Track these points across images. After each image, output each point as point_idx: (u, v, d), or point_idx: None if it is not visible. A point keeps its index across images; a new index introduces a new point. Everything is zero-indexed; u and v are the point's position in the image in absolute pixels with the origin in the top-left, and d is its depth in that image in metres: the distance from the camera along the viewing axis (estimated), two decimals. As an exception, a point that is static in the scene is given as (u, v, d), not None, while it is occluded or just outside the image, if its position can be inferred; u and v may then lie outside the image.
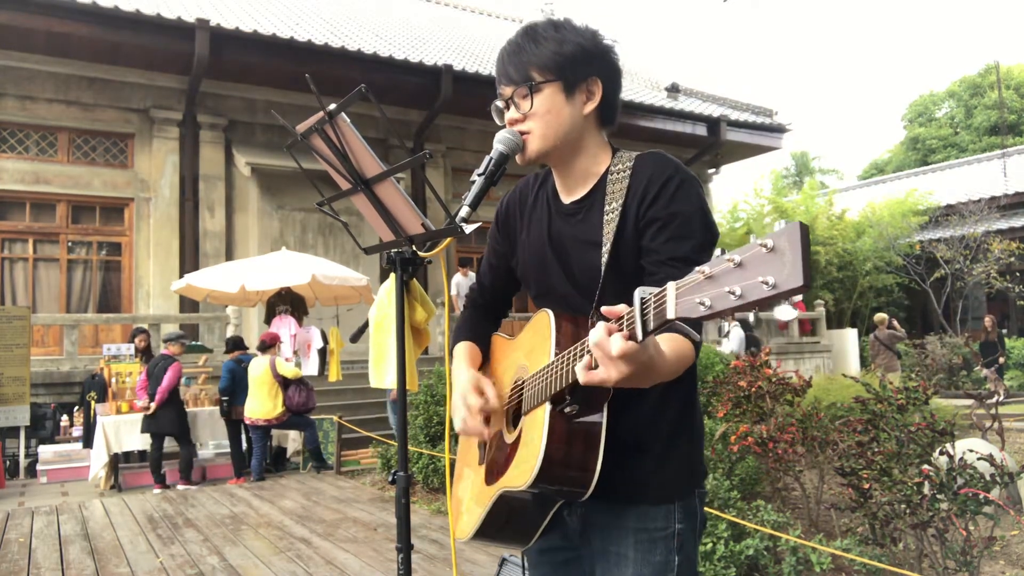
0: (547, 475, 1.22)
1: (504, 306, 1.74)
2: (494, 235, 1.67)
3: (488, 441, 1.49)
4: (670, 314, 0.93)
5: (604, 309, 1.07)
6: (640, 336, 0.99)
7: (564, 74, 1.39)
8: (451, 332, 1.72)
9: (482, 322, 1.69)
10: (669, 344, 1.18)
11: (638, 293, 0.99)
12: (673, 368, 1.18)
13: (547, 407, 1.24)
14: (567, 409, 1.22)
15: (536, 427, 1.26)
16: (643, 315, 0.98)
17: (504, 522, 1.41)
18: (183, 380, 7.83)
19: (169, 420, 7.26)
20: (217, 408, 8.00)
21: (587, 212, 1.43)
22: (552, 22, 1.43)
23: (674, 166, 1.37)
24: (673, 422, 1.41)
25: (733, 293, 0.86)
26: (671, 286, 0.94)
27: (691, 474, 1.44)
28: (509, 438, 1.40)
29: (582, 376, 1.08)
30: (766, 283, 0.83)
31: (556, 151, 1.43)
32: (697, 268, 0.91)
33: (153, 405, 7.18)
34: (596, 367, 1.07)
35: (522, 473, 1.26)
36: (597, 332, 1.04)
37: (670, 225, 1.31)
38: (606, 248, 1.35)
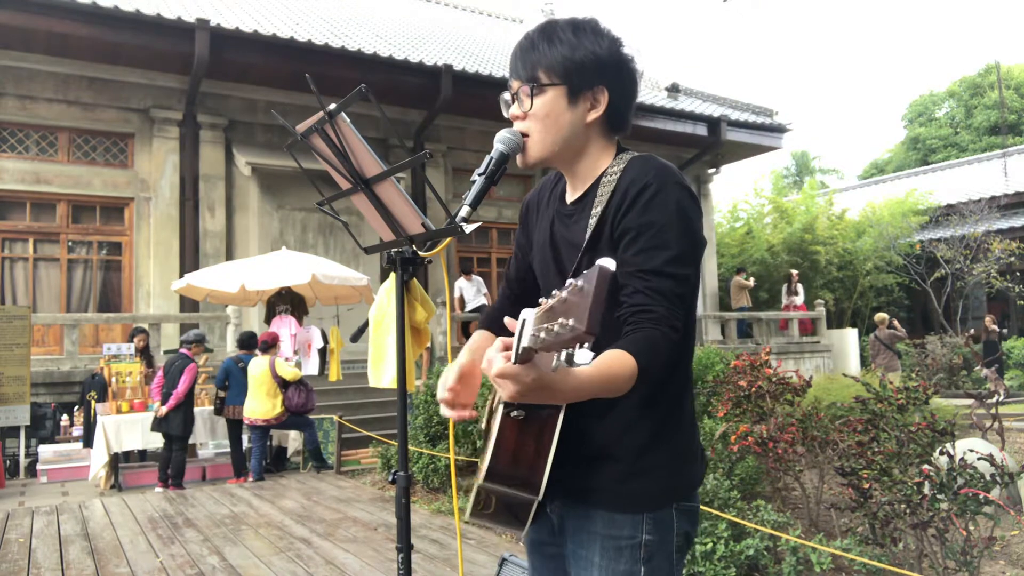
0: (496, 475, 1.25)
1: (534, 297, 1.71)
2: (518, 231, 1.68)
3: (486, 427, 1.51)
4: (524, 342, 0.94)
5: (507, 320, 1.08)
6: (513, 359, 1.00)
7: (570, 80, 1.36)
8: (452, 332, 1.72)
9: (507, 310, 1.66)
10: (599, 362, 1.14)
11: (522, 315, 0.99)
12: (597, 387, 1.13)
13: (500, 410, 1.25)
14: (513, 413, 1.23)
15: (492, 429, 1.28)
16: (519, 339, 0.99)
17: (493, 509, 1.41)
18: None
19: (178, 422, 7.21)
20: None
21: (579, 214, 1.42)
22: (573, 23, 1.39)
23: (655, 171, 1.33)
24: (649, 436, 1.36)
25: (551, 330, 0.88)
26: (530, 314, 0.95)
27: (669, 487, 1.38)
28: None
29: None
30: (566, 324, 0.85)
31: (556, 156, 1.42)
32: (545, 298, 0.92)
33: (165, 409, 7.14)
34: None
35: (481, 469, 1.29)
36: (491, 349, 1.06)
37: (643, 236, 1.28)
38: (579, 253, 1.35)
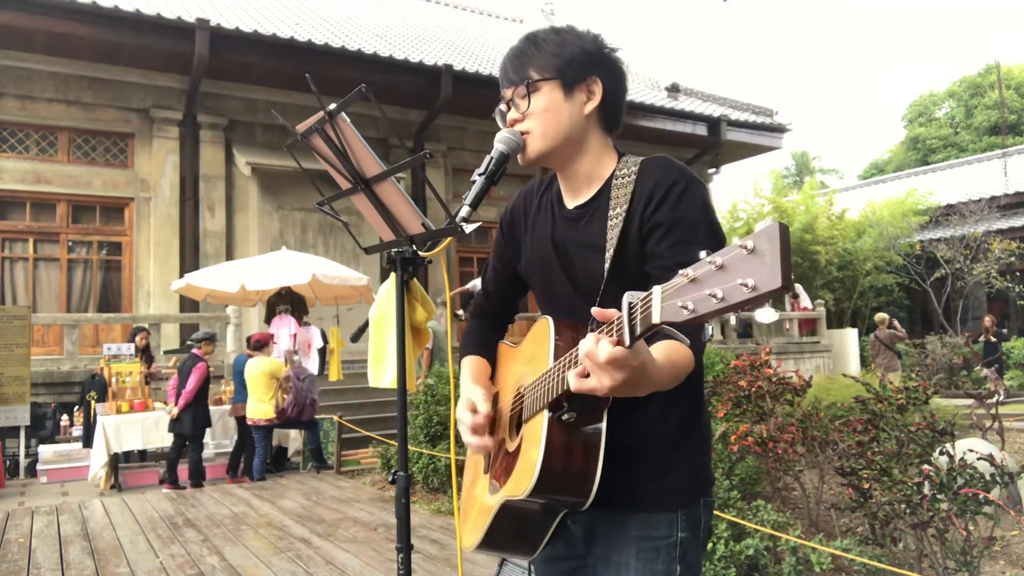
0: (545, 484, 1.21)
1: (511, 312, 1.73)
2: (499, 241, 1.66)
3: (493, 450, 1.48)
4: (655, 319, 0.92)
5: (595, 311, 1.05)
6: (627, 341, 0.98)
7: (563, 73, 1.39)
8: (460, 339, 1.71)
9: (489, 332, 1.69)
10: (665, 351, 1.17)
11: (626, 298, 0.98)
12: (669, 376, 1.16)
13: (545, 415, 1.22)
14: (564, 416, 1.20)
15: (535, 435, 1.24)
16: (631, 320, 0.97)
17: (509, 532, 1.39)
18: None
19: (188, 421, 7.19)
20: (213, 407, 7.99)
21: (591, 217, 1.42)
22: (554, 29, 1.45)
23: (679, 171, 1.36)
24: (677, 429, 1.40)
25: (715, 296, 0.85)
26: (656, 290, 0.93)
27: (696, 482, 1.43)
28: (511, 447, 1.39)
29: (574, 383, 1.07)
30: (745, 285, 0.82)
31: (557, 152, 1.42)
32: (681, 271, 0.90)
33: (176, 410, 7.15)
34: (589, 375, 1.06)
35: (521, 482, 1.25)
36: (587, 340, 1.04)
37: (675, 230, 1.30)
38: (609, 254, 1.34)
